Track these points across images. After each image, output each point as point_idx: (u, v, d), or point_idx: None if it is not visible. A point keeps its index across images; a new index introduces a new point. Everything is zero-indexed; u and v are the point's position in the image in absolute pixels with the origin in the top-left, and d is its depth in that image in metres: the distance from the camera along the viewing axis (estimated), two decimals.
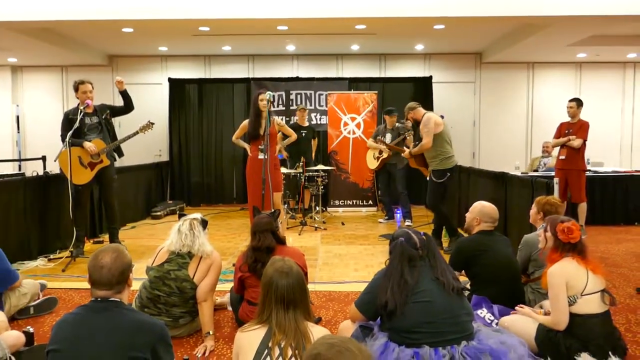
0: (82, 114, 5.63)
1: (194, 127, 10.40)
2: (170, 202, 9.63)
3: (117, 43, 9.39)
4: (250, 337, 2.17)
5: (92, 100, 5.84)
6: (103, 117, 5.94)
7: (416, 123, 6.21)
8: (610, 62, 10.55)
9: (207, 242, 3.50)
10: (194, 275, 3.37)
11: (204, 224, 3.56)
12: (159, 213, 8.75)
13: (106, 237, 6.58)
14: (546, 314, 3.16)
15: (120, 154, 6.18)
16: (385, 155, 7.97)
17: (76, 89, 5.83)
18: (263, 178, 5.09)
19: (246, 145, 5.78)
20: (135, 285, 3.80)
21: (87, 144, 5.71)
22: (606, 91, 10.63)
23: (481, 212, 3.78)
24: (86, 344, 1.99)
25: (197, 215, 3.61)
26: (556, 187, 4.76)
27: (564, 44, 8.77)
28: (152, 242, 6.57)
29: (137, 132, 5.91)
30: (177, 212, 9.08)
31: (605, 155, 9.91)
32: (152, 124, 6.07)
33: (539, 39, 8.22)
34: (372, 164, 8.32)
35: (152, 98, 10.47)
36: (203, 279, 3.38)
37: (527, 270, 3.86)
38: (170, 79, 10.36)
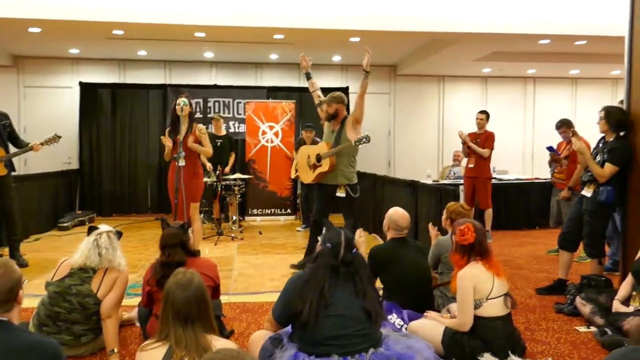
0: None
1: (107, 133, 9.99)
2: (79, 212, 9.16)
3: (23, 43, 8.83)
4: (151, 356, 2.09)
5: None
6: (1, 123, 5.58)
7: (331, 116, 5.35)
8: (513, 77, 11.28)
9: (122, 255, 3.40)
10: (97, 290, 3.22)
11: (119, 235, 3.47)
12: (66, 224, 8.30)
13: (6, 250, 6.13)
14: (453, 317, 3.30)
15: (12, 169, 5.83)
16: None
17: None
18: (176, 187, 4.96)
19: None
20: (34, 302, 3.61)
21: None
22: (510, 104, 11.36)
23: (390, 218, 3.86)
24: None
25: (109, 227, 3.47)
26: (462, 195, 4.99)
27: (470, 59, 9.29)
28: (58, 255, 6.10)
29: (31, 148, 5.58)
30: (87, 222, 8.68)
31: (510, 164, 10.52)
32: (59, 137, 5.74)
33: (448, 54, 8.64)
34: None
35: (61, 102, 9.99)
36: (108, 294, 3.24)
37: (437, 270, 4.04)
38: (81, 83, 9.89)
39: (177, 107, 5.32)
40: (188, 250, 3.37)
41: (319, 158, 5.34)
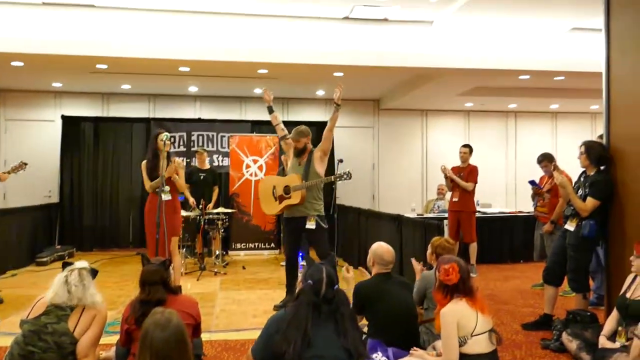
0: None
1: (89, 167, 9.90)
2: (59, 247, 8.99)
3: (5, 76, 8.77)
4: None
5: None
6: None
7: (300, 151, 5.47)
8: (495, 111, 11.49)
9: (97, 292, 3.26)
10: (74, 329, 3.10)
11: (94, 273, 3.34)
12: (44, 259, 8.11)
13: None
14: (438, 355, 3.24)
15: None
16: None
17: None
18: (157, 222, 4.87)
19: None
20: (7, 340, 3.48)
21: None
22: (492, 137, 11.54)
23: (375, 253, 3.79)
24: None
25: (84, 263, 3.36)
26: (446, 229, 4.98)
27: (452, 93, 9.45)
28: (35, 292, 6.01)
29: None
30: (66, 257, 8.50)
31: (493, 197, 10.60)
32: (25, 164, 5.67)
33: (431, 88, 8.79)
34: None
35: (44, 135, 9.92)
36: (85, 333, 3.13)
37: (422, 304, 3.98)
38: (63, 117, 9.83)
39: (159, 141, 5.26)
40: (169, 287, 3.28)
41: (287, 190, 5.32)
